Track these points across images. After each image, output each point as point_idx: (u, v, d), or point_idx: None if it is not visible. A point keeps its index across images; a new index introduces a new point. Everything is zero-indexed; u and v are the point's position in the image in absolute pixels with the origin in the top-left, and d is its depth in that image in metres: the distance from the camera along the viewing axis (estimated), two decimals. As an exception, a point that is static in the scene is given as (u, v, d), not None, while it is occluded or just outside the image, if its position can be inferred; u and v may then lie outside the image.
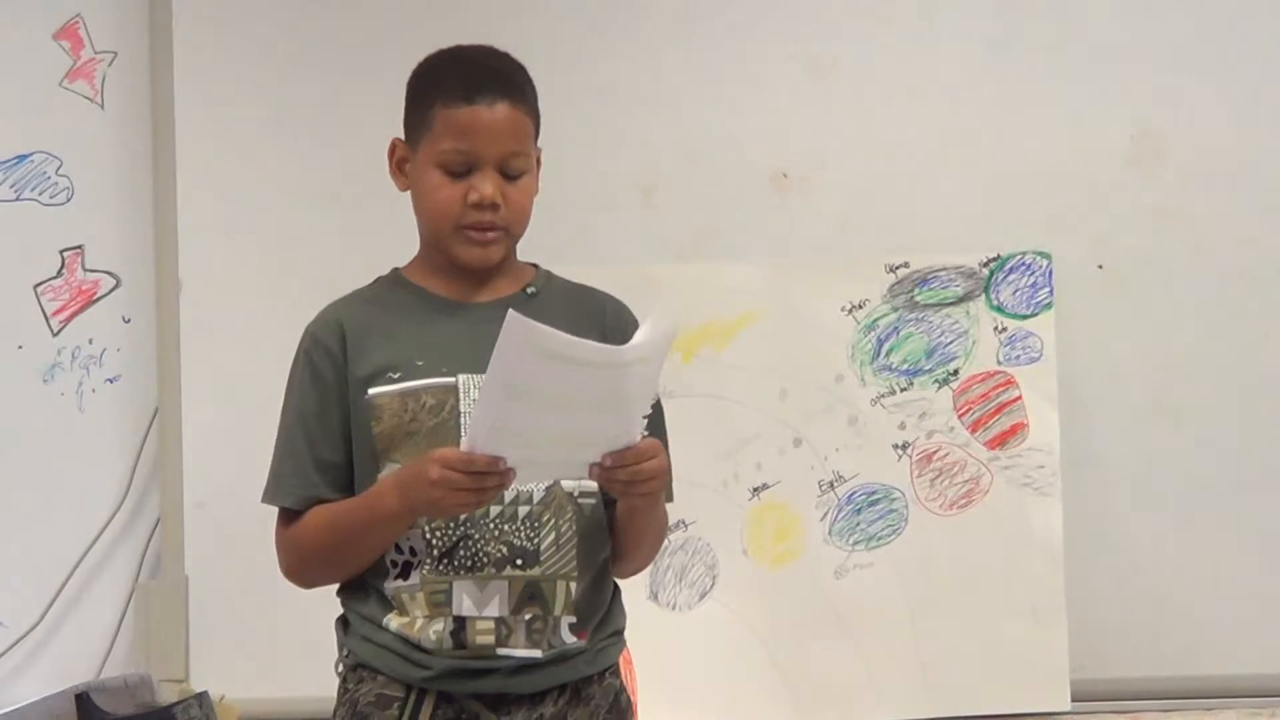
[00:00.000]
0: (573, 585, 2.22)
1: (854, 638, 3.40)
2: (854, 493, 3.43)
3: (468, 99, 2.22)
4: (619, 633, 2.31)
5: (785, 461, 3.43)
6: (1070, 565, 3.36)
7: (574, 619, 2.23)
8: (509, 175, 2.24)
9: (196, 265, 3.58)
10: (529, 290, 2.30)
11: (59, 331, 3.65)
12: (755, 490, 3.43)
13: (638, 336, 2.11)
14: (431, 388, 2.21)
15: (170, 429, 3.56)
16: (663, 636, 3.36)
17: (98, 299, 3.66)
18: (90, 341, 3.65)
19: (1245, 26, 3.50)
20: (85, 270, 3.65)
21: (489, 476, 2.06)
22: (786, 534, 3.43)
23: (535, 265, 2.35)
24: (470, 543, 2.19)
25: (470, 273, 2.28)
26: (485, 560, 2.19)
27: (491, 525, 2.19)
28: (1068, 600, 3.35)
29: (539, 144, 2.30)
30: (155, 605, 3.55)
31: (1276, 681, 3.44)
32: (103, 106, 3.66)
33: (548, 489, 2.22)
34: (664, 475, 2.16)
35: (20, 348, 3.64)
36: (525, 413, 2.03)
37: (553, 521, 2.22)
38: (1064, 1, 3.51)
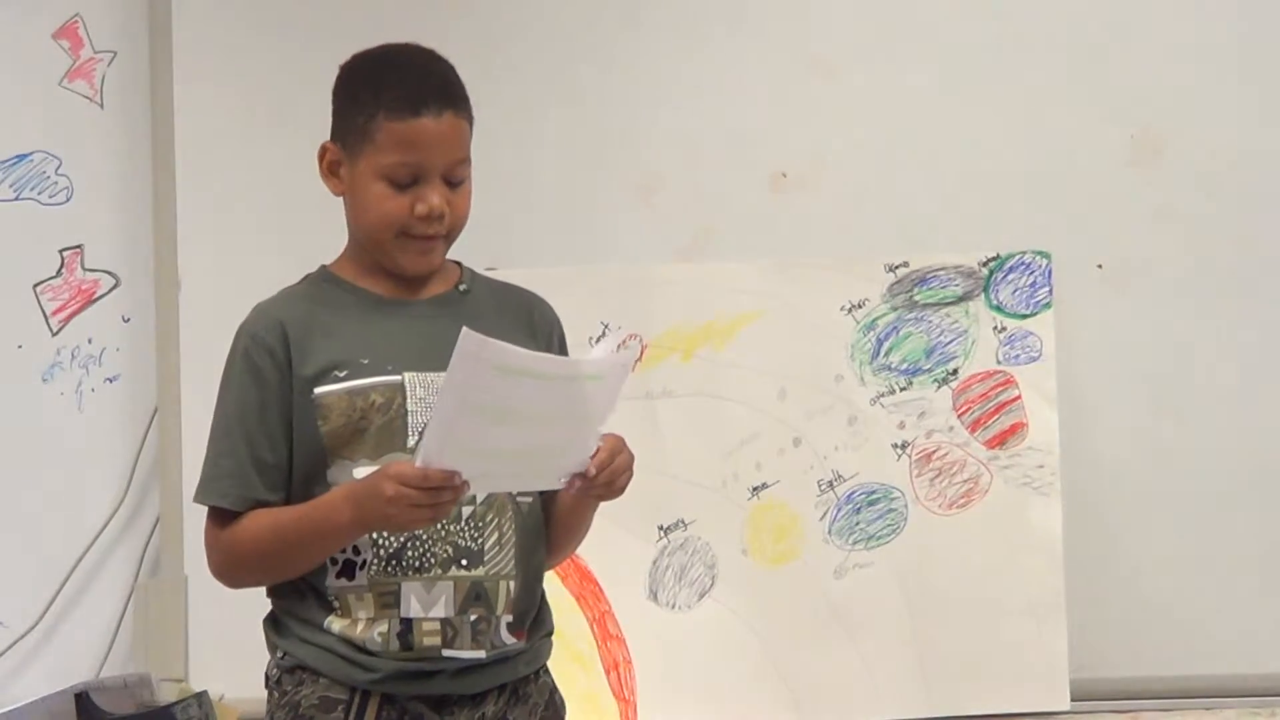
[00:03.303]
0: (512, 585, 2.23)
1: (853, 637, 3.40)
2: (853, 492, 3.43)
3: (415, 112, 2.19)
4: (551, 633, 2.33)
5: (785, 461, 3.43)
6: (1070, 565, 3.36)
7: (511, 618, 2.23)
8: (452, 182, 2.23)
9: (196, 264, 3.58)
10: (461, 288, 2.30)
11: (58, 331, 3.65)
12: (755, 490, 3.43)
13: (595, 353, 2.12)
14: (379, 386, 2.19)
15: (170, 428, 3.56)
16: (662, 636, 3.36)
17: (97, 298, 3.66)
18: (90, 341, 3.65)
19: (1245, 27, 3.50)
20: (84, 270, 3.65)
21: (444, 491, 2.07)
22: (786, 533, 3.43)
23: (458, 263, 2.34)
24: (417, 543, 2.19)
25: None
26: (432, 561, 2.19)
27: (437, 526, 2.19)
28: (1067, 600, 3.35)
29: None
30: (155, 605, 3.55)
31: (1276, 681, 3.44)
32: (102, 106, 3.66)
33: None
34: (632, 464, 2.17)
35: (20, 347, 3.64)
36: (480, 427, 2.04)
37: (495, 521, 2.21)
38: (1064, 1, 3.51)
